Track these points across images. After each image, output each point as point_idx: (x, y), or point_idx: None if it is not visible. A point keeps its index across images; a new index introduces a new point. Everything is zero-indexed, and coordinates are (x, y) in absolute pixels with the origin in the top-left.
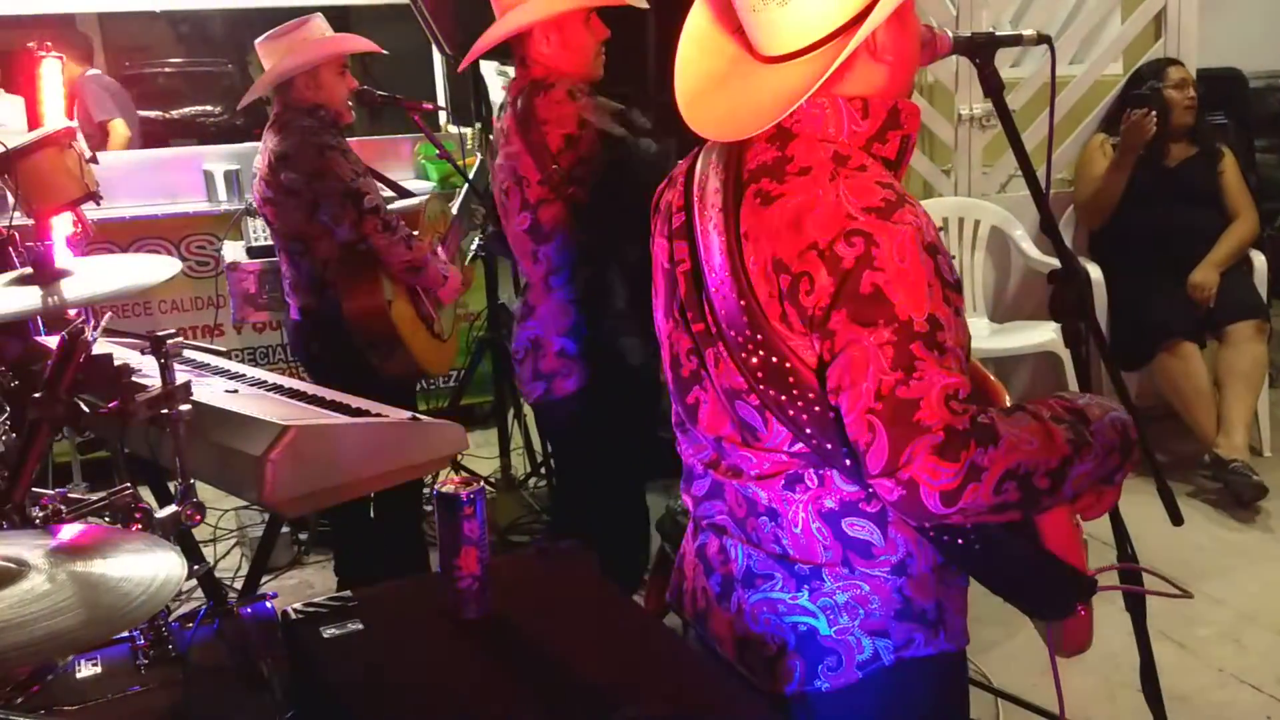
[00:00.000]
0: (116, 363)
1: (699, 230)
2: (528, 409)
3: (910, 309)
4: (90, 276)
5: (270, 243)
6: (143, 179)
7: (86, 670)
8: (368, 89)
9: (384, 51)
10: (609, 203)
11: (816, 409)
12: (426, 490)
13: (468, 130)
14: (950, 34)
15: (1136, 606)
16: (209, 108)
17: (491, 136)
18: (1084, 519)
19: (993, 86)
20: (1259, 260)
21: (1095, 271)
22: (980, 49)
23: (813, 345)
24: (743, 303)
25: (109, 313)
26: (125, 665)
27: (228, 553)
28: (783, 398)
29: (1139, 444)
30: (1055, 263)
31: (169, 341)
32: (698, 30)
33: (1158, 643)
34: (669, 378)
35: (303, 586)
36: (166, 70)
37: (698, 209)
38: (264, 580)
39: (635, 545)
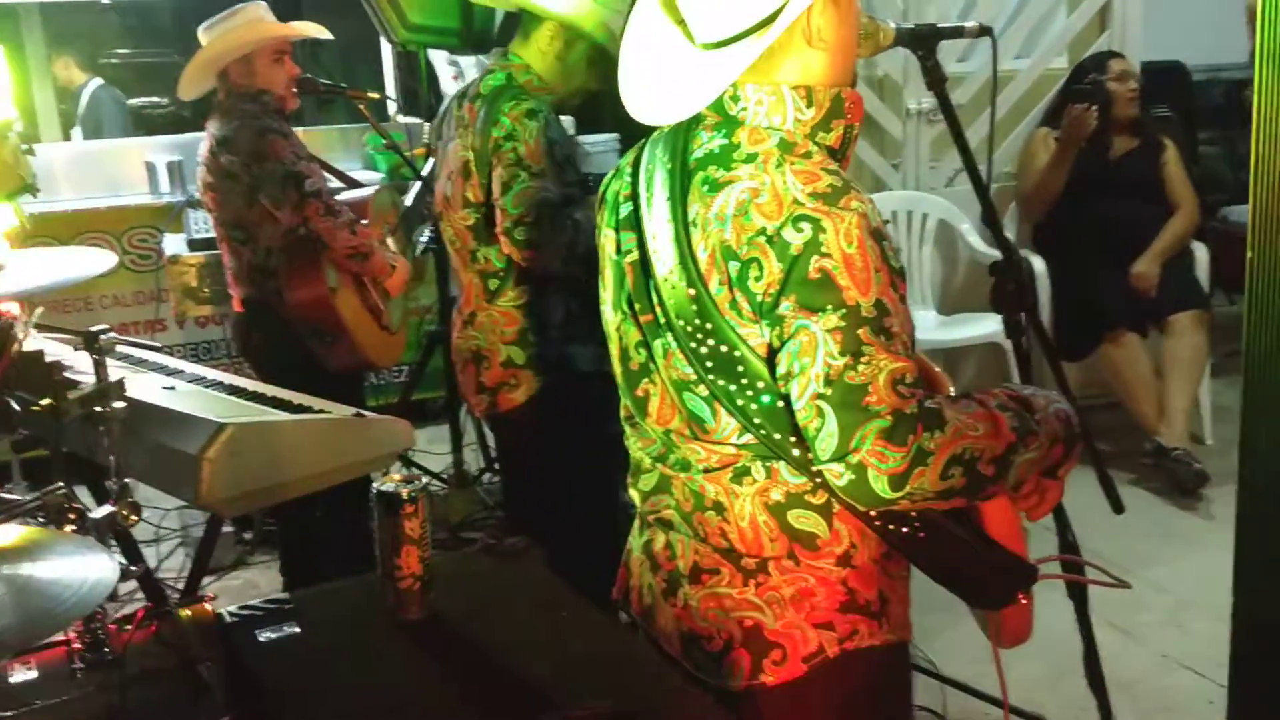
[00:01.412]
0: (48, 359)
1: (646, 219)
2: None
3: (858, 294)
4: (23, 270)
5: (212, 235)
6: (83, 171)
7: (20, 674)
8: (310, 77)
9: (322, 36)
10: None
11: (765, 399)
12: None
13: (418, 120)
14: (894, 25)
15: (1078, 595)
16: (156, 99)
17: (444, 120)
18: (1029, 519)
19: (935, 79)
20: (1200, 251)
21: (1039, 264)
22: (922, 41)
23: (762, 333)
24: (692, 291)
25: (40, 308)
26: (61, 669)
27: (171, 553)
28: (731, 387)
29: (1082, 436)
30: (998, 256)
31: (102, 337)
32: (642, 21)
33: (1102, 629)
34: (617, 371)
35: (247, 587)
36: (113, 61)
37: (644, 198)
38: (207, 581)
39: (609, 545)
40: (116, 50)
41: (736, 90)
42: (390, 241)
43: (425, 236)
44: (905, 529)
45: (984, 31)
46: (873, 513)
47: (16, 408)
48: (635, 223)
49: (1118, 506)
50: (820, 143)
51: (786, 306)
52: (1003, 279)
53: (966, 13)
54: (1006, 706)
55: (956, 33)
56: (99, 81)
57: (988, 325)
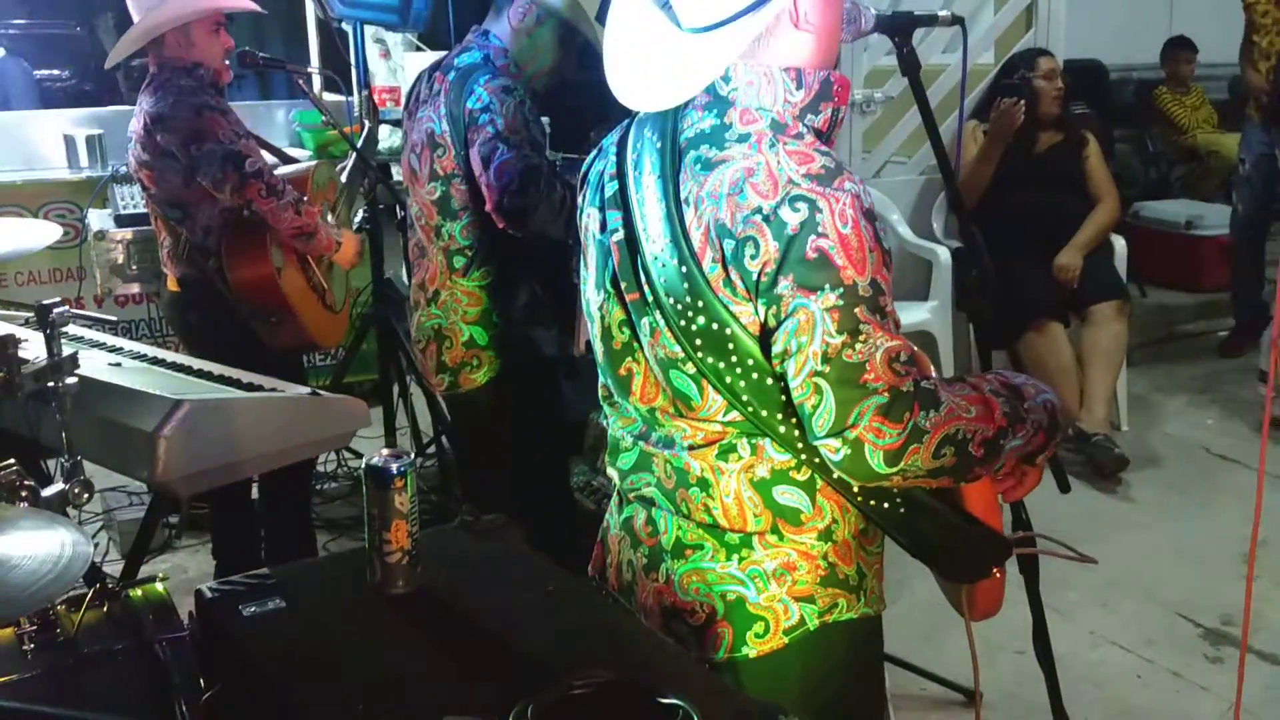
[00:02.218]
0: (2, 332)
1: (634, 198)
2: (414, 388)
3: (854, 274)
4: None
5: (141, 210)
6: None
7: None
8: (250, 51)
9: (262, 10)
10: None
11: (754, 376)
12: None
13: (344, 97)
14: (874, 12)
15: (1030, 572)
16: (56, 71)
17: (413, 95)
18: (1005, 500)
19: (910, 65)
20: (1119, 244)
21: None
22: (900, 28)
23: (755, 311)
24: (684, 269)
25: None
26: (10, 650)
27: (94, 536)
28: (720, 365)
29: (1063, 427)
30: (928, 245)
31: (55, 311)
32: (626, 7)
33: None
34: (599, 350)
35: (176, 571)
36: (11, 32)
37: (631, 177)
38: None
39: (563, 525)
40: (13, 21)
41: (727, 70)
42: (331, 218)
43: (360, 215)
44: (887, 504)
45: (955, 21)
46: (855, 488)
47: None
48: (621, 201)
49: (1064, 486)
50: (809, 124)
51: (784, 286)
52: (967, 266)
53: (894, 8)
54: (977, 680)
55: (931, 21)
56: (1, 52)
57: (917, 314)
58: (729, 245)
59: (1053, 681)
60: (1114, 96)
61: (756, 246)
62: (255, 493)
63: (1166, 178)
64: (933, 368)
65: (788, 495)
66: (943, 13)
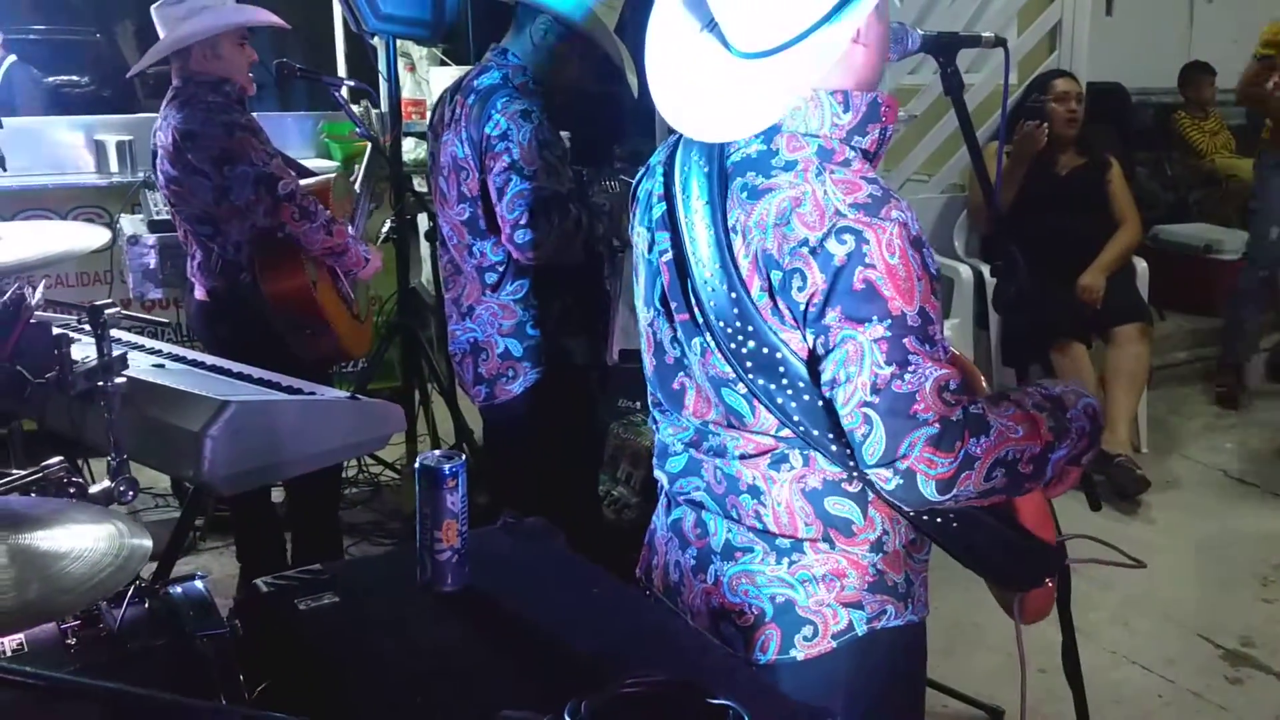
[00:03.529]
0: (56, 331)
1: (683, 221)
2: (434, 395)
3: (902, 304)
4: (20, 243)
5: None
6: (24, 147)
7: (10, 649)
8: (287, 61)
9: (287, 26)
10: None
11: (805, 397)
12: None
13: (373, 109)
14: (920, 32)
15: (1063, 590)
16: (74, 78)
17: (437, 115)
18: (1047, 497)
19: (953, 85)
20: (1141, 266)
21: (988, 273)
22: (944, 48)
23: (804, 338)
24: (734, 295)
25: (45, 279)
26: (54, 645)
27: None
28: (771, 386)
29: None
30: (949, 264)
31: (107, 312)
32: (666, 29)
33: (1052, 625)
34: (650, 364)
35: (201, 572)
36: (30, 38)
37: (679, 200)
38: (153, 566)
39: (594, 532)
40: (33, 27)
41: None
42: (352, 230)
43: (386, 226)
44: (940, 519)
45: (999, 42)
46: (919, 509)
47: (30, 378)
48: (670, 223)
49: (1095, 505)
50: (857, 146)
51: (832, 317)
52: (1005, 282)
53: (918, 27)
54: (1025, 685)
55: (974, 41)
56: (13, 58)
57: None
58: (776, 276)
59: (1081, 700)
60: (1134, 119)
61: (804, 279)
62: (275, 496)
63: (1184, 201)
64: (984, 381)
65: (839, 506)
66: (986, 34)
